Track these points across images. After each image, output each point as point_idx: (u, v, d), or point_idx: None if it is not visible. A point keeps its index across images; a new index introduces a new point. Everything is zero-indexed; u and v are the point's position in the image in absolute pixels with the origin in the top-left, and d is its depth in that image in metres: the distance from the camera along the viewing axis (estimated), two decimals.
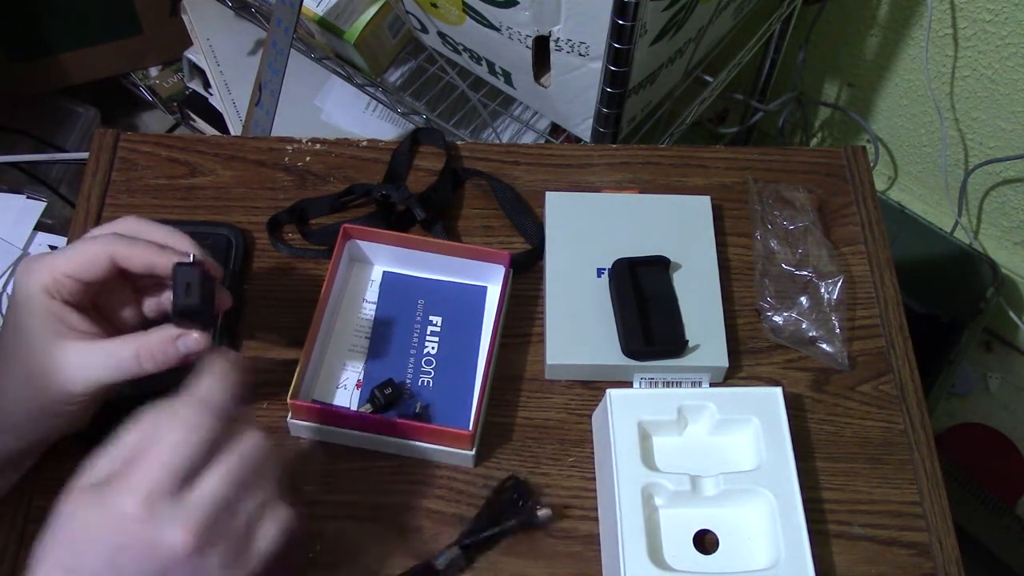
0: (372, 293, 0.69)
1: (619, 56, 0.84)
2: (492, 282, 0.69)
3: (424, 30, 1.03)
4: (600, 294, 0.68)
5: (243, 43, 1.40)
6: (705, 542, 0.59)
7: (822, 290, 0.70)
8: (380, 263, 0.70)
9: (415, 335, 0.68)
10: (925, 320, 1.38)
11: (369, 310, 0.69)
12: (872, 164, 1.46)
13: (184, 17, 1.41)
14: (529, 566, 0.60)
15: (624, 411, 0.60)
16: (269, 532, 0.46)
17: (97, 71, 1.52)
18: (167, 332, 0.52)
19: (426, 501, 0.62)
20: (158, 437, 0.44)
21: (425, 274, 0.70)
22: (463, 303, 0.69)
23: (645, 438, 0.61)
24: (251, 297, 0.69)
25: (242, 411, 0.47)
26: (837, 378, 0.68)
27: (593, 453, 0.64)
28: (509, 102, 1.18)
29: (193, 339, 0.52)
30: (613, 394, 0.61)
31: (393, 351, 0.67)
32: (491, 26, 0.91)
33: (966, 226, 1.45)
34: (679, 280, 0.69)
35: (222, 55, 1.40)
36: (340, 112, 1.37)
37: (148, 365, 0.52)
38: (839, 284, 0.70)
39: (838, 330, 0.69)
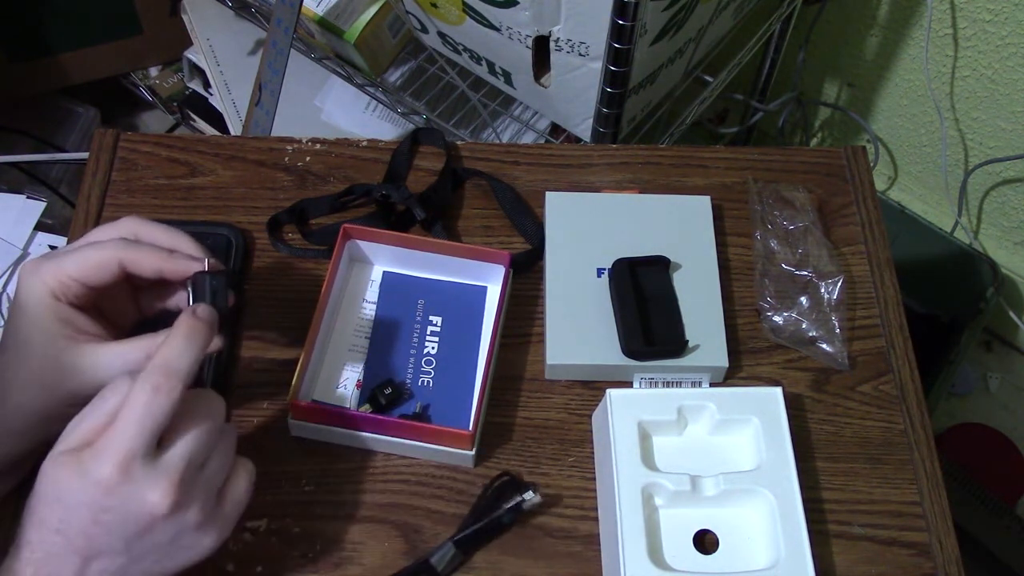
0: (372, 293, 0.69)
1: (619, 56, 0.84)
2: (492, 282, 0.69)
3: (424, 30, 1.03)
4: (600, 294, 0.68)
5: (243, 43, 1.40)
6: (705, 542, 0.59)
7: (822, 290, 0.70)
8: (380, 263, 0.70)
9: (415, 335, 0.68)
10: (925, 320, 1.38)
11: (369, 310, 0.69)
12: (872, 164, 1.46)
13: (184, 17, 1.41)
14: (529, 566, 0.60)
15: (624, 411, 0.60)
16: (240, 485, 0.50)
17: (97, 71, 1.52)
18: None
19: (426, 501, 0.62)
20: (129, 403, 0.45)
21: (425, 274, 0.70)
22: (463, 303, 0.69)
23: (645, 438, 0.61)
24: (251, 297, 0.69)
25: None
26: (837, 378, 0.68)
27: (593, 453, 0.64)
28: (509, 102, 1.18)
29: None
30: (613, 394, 0.61)
31: (393, 351, 0.67)
32: (491, 26, 0.91)
33: (966, 226, 1.45)
34: (679, 280, 0.69)
35: (222, 55, 1.40)
36: (340, 112, 1.36)
37: None
38: (839, 284, 0.70)
39: (838, 330, 0.69)
